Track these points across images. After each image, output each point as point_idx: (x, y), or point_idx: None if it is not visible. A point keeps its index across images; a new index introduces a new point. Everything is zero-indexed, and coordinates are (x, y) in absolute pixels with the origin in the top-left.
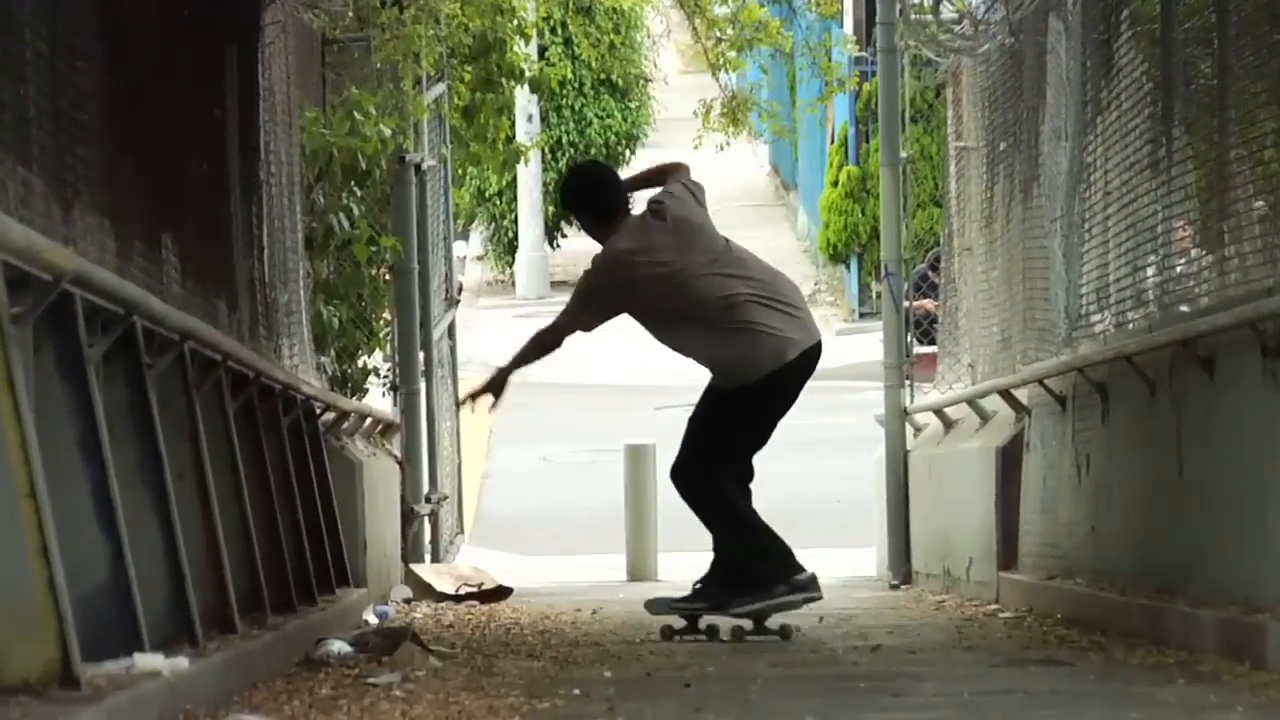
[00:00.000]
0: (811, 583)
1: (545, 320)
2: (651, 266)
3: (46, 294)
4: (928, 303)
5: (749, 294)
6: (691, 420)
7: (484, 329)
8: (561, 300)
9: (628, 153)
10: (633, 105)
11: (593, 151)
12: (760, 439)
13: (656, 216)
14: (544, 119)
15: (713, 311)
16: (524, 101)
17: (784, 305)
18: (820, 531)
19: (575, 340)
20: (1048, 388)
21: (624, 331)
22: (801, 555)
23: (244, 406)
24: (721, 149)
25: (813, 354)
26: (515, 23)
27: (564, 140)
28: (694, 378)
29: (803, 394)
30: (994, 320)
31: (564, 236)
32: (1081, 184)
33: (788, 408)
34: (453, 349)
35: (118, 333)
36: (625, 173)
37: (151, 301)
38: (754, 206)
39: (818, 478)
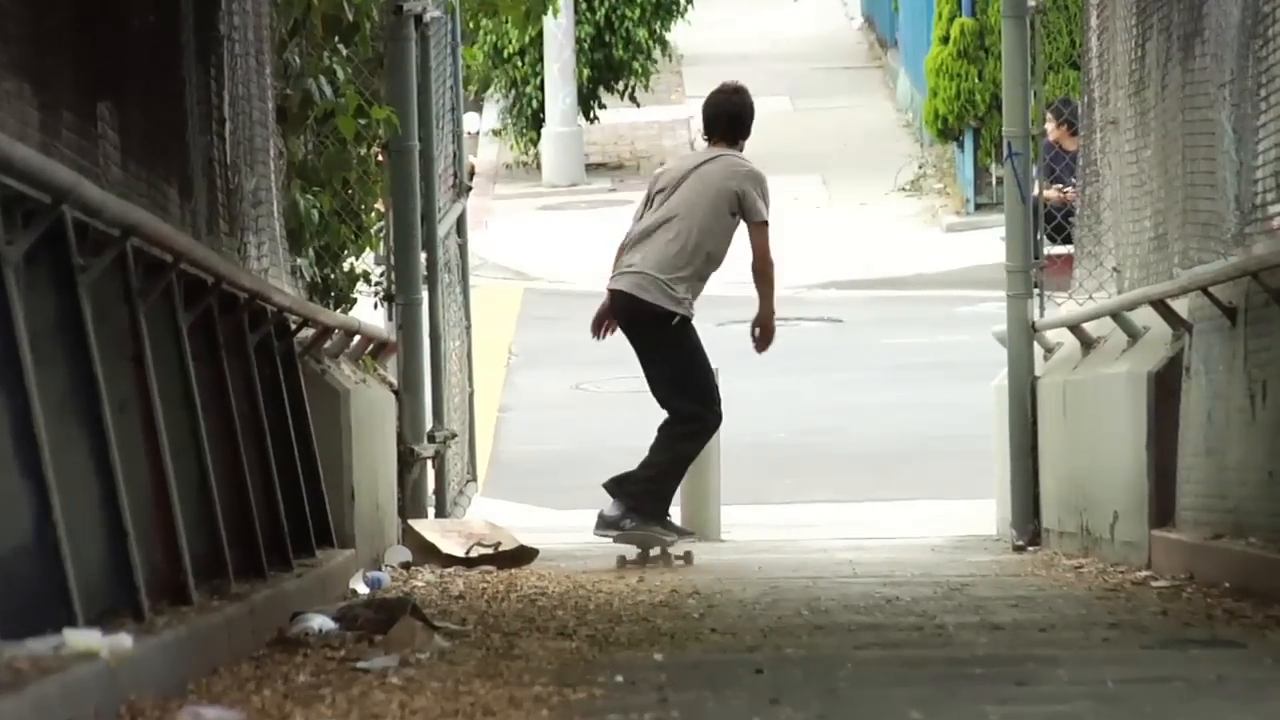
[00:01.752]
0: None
1: (578, 215)
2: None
3: None
4: (1052, 193)
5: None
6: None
7: (502, 224)
8: (600, 187)
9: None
10: None
11: (639, 0)
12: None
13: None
14: None
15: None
16: None
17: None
18: (927, 479)
19: (612, 239)
20: (1213, 297)
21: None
22: (902, 508)
23: (201, 320)
24: None
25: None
26: None
27: None
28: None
29: (907, 308)
30: (1146, 213)
31: (602, 107)
32: (1258, 40)
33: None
34: (462, 249)
35: (43, 227)
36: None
37: (84, 187)
38: (842, 70)
39: (925, 410)
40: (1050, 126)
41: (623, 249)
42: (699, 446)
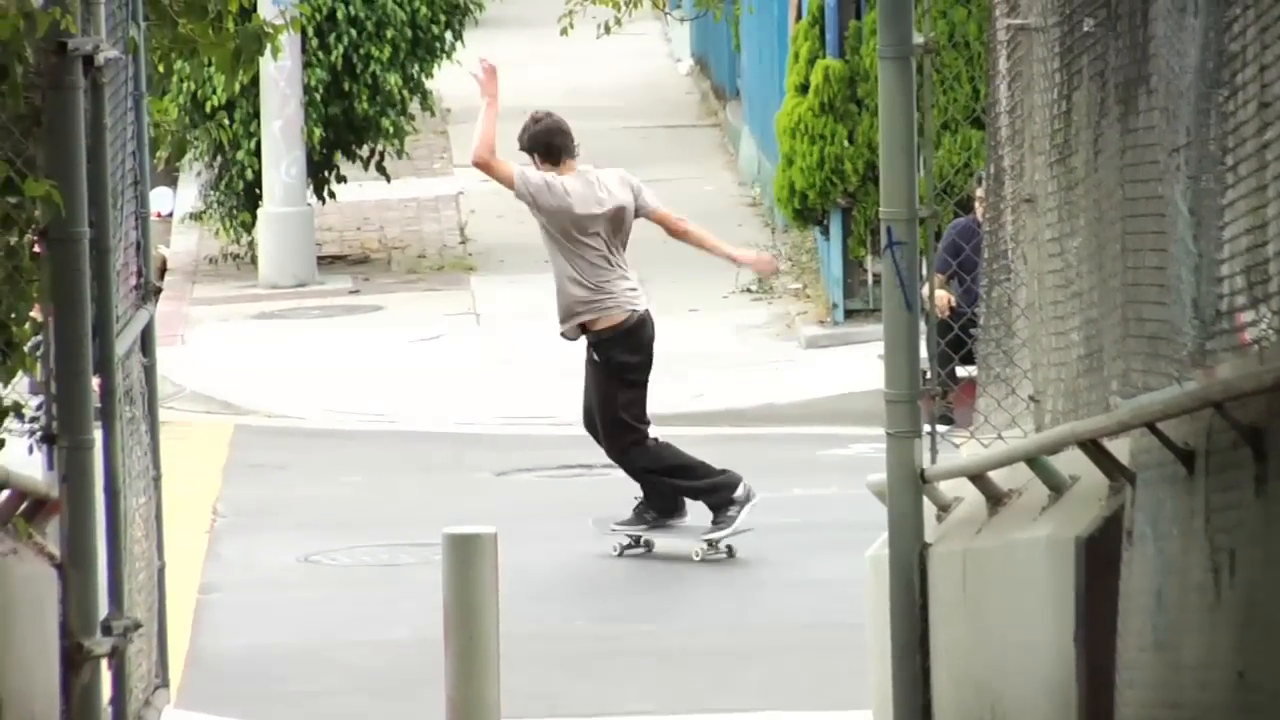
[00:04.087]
0: None
1: (306, 326)
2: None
3: None
4: (943, 295)
5: None
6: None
7: (204, 338)
8: (337, 288)
9: (448, 36)
10: None
11: (389, 34)
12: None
13: None
14: None
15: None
16: None
17: None
18: (780, 683)
19: (353, 357)
20: (1164, 436)
21: (463, 335)
22: None
23: None
24: (608, 31)
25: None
26: None
27: (340, 15)
28: (567, 422)
29: (751, 451)
30: (1073, 322)
31: (340, 180)
32: (1221, 89)
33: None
34: (149, 371)
35: None
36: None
37: None
38: (665, 129)
39: (776, 589)
40: (979, 201)
41: (609, 279)
42: None
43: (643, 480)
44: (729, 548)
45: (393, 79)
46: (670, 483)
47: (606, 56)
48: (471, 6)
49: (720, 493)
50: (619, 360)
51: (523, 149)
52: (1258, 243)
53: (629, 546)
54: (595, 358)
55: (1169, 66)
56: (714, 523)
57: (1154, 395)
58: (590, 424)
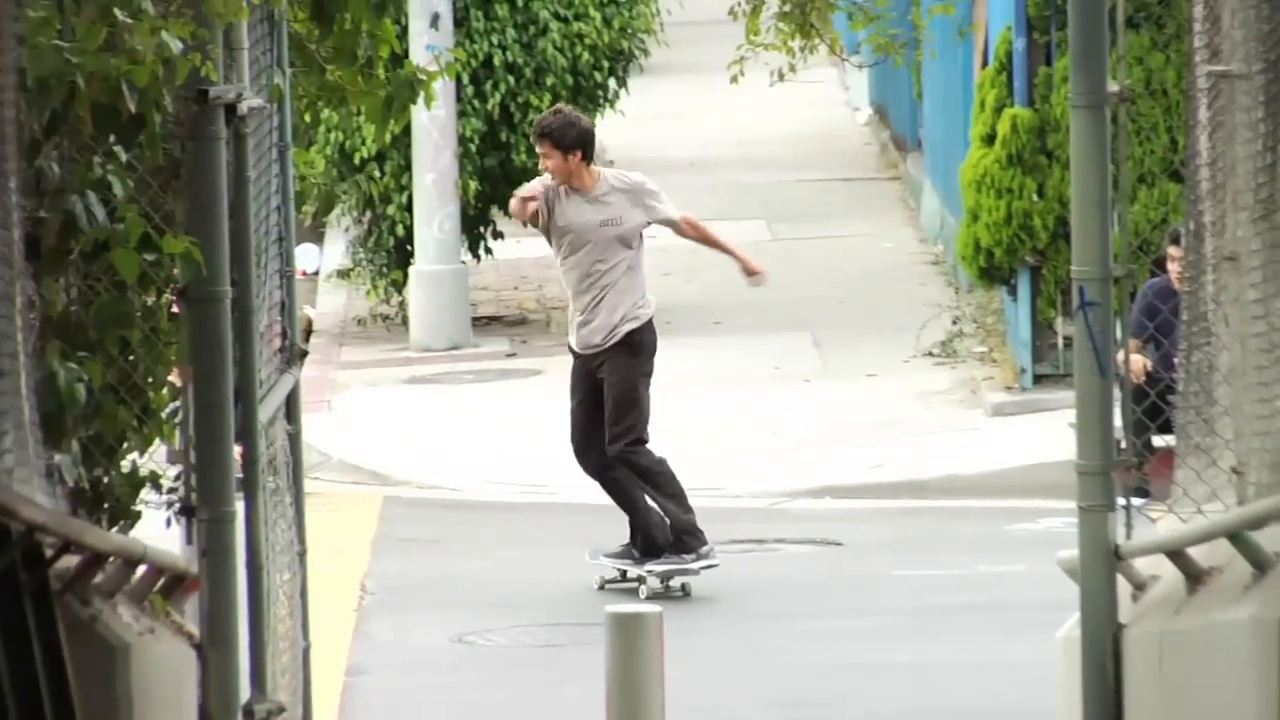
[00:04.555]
0: None
1: (460, 391)
2: None
3: None
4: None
5: None
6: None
7: (352, 404)
8: (493, 351)
9: (611, 83)
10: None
11: (549, 81)
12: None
13: None
14: (460, 22)
15: None
16: None
17: None
18: None
19: (510, 425)
20: None
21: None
22: None
23: None
24: (781, 78)
25: None
26: None
27: (498, 61)
28: (737, 495)
29: (933, 525)
30: (1279, 388)
31: (497, 237)
32: None
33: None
34: (294, 440)
35: None
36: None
37: None
38: (842, 182)
39: (959, 672)
40: (1173, 260)
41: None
42: None
43: (630, 506)
44: (681, 585)
45: None
46: (647, 490)
47: (780, 105)
48: (636, 53)
49: (683, 529)
50: (650, 360)
51: (567, 146)
52: None
53: (613, 580)
54: (626, 357)
55: None
56: (668, 554)
57: None
58: (584, 443)
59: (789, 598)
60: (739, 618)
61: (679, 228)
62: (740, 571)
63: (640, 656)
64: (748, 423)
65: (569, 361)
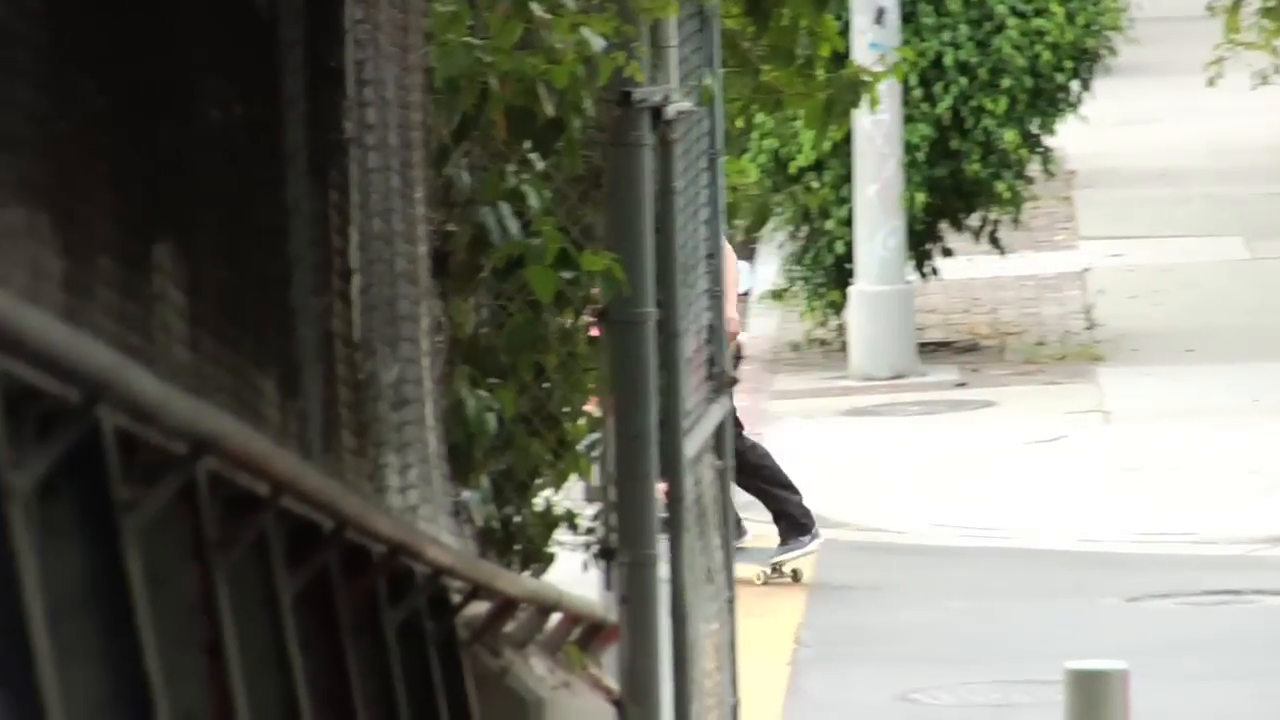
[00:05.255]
0: None
1: (904, 425)
2: None
3: None
4: None
5: None
6: None
7: (788, 437)
8: (941, 380)
9: (1074, 85)
10: None
11: (1005, 83)
12: None
13: None
14: (908, 18)
15: None
16: None
17: None
18: None
19: (961, 466)
20: None
21: (1088, 437)
22: None
23: (313, 586)
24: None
25: None
26: None
27: (949, 61)
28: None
29: None
30: None
31: (946, 254)
32: None
33: None
34: (723, 476)
35: (68, 439)
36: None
37: (132, 377)
38: None
39: None
40: None
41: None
42: None
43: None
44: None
45: (1009, 135)
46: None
47: (1262, 110)
48: (1104, 52)
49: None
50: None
51: None
52: None
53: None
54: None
55: None
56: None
57: None
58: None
59: (1269, 656)
60: (1217, 677)
61: None
62: (1213, 627)
63: (1104, 717)
64: (1222, 460)
65: (1024, 392)
